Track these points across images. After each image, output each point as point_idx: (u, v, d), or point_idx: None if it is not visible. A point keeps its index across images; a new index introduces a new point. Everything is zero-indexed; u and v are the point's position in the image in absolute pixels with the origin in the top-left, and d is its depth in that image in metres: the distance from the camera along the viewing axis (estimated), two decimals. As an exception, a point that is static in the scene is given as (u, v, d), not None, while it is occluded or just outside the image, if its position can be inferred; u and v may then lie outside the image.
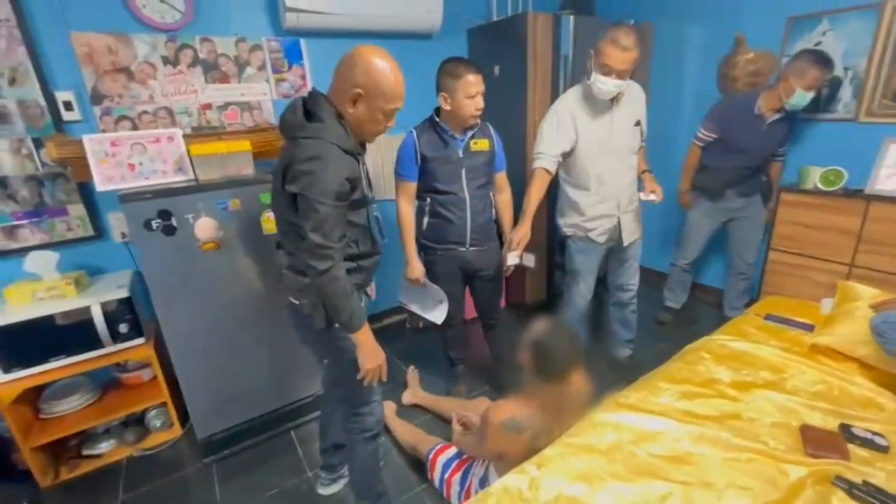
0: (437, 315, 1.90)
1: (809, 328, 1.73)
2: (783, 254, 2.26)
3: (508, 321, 2.24)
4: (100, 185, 1.58)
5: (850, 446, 1.19)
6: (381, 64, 1.07)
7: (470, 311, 2.23)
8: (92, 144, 1.55)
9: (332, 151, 1.05)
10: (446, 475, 1.55)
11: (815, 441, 1.19)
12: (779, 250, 2.27)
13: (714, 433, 1.24)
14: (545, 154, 1.76)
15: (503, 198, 1.92)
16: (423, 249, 1.88)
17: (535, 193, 1.77)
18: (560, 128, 1.74)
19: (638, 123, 1.81)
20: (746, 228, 2.38)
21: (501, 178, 1.90)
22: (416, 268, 1.83)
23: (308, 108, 1.10)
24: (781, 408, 1.35)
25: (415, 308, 1.97)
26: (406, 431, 1.83)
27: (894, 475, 1.09)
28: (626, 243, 1.92)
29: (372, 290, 1.49)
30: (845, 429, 1.24)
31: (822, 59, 1.95)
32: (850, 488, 1.05)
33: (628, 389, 1.46)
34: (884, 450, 1.17)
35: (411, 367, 2.25)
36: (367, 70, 1.06)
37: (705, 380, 1.48)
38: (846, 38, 2.12)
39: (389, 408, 1.98)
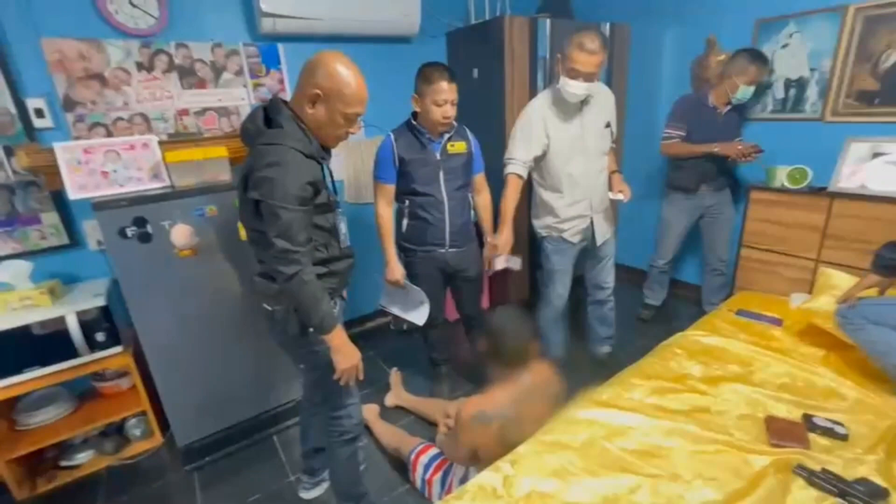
0: (419, 316, 1.92)
1: (778, 322, 1.79)
2: (754, 250, 2.32)
3: (491, 321, 2.27)
4: (72, 193, 1.56)
5: (812, 435, 1.24)
6: (341, 68, 1.09)
7: (453, 312, 2.25)
8: (63, 152, 1.54)
9: (292, 156, 1.06)
10: (427, 475, 1.57)
11: (778, 431, 1.24)
12: (750, 247, 2.33)
13: (683, 427, 1.28)
14: (517, 160, 1.80)
15: (482, 199, 1.95)
16: (402, 251, 1.90)
17: (511, 199, 1.81)
18: (532, 133, 1.78)
19: (608, 125, 1.85)
20: (718, 225, 2.45)
21: (480, 179, 1.92)
22: (396, 269, 1.85)
23: (269, 115, 1.12)
24: (748, 400, 1.40)
25: (396, 310, 1.98)
26: (388, 433, 1.84)
27: (851, 462, 1.14)
28: (598, 243, 1.96)
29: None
30: (807, 419, 1.28)
31: (758, 56, 2.13)
32: (809, 476, 1.10)
33: (602, 386, 1.49)
34: (843, 438, 1.22)
35: (394, 370, 2.26)
36: (328, 73, 1.08)
37: (677, 375, 1.53)
38: (812, 39, 2.19)
39: (372, 410, 2.00)
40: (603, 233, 1.97)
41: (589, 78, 1.63)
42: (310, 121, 1.13)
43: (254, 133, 1.11)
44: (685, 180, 2.37)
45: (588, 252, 2.04)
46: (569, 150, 1.81)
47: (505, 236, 1.79)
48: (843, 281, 1.73)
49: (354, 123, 1.17)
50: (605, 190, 1.92)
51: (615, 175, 1.93)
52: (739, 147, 2.14)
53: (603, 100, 1.83)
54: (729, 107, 2.27)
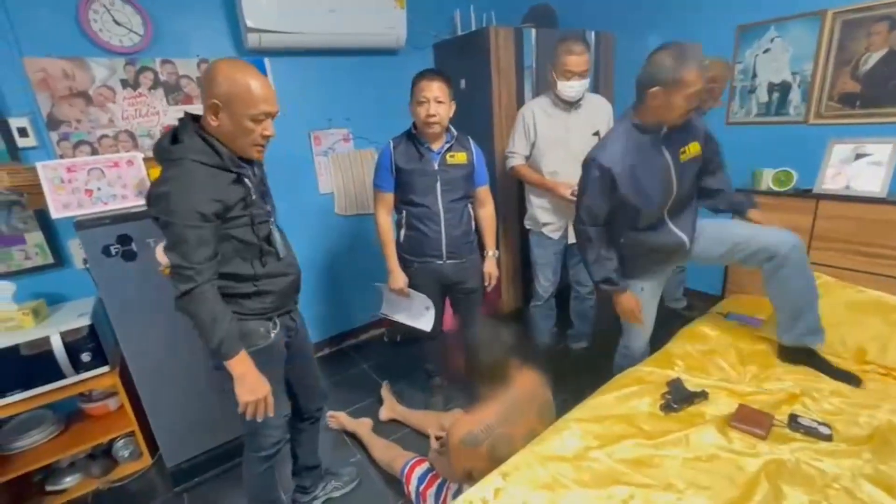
0: (426, 322, 1.88)
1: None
2: (744, 253, 2.32)
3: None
4: (55, 212, 1.55)
5: (795, 435, 1.22)
6: (234, 72, 1.04)
7: (446, 323, 2.24)
8: (46, 171, 1.52)
9: (193, 168, 1.02)
10: (422, 488, 1.54)
11: (742, 416, 1.25)
12: (740, 250, 2.34)
13: (676, 434, 1.26)
14: (516, 153, 2.04)
15: (485, 212, 1.91)
16: (400, 261, 1.86)
17: (530, 175, 2.01)
18: (523, 128, 1.99)
19: (596, 133, 1.92)
20: None
21: (483, 191, 1.88)
22: (400, 277, 1.81)
23: (176, 134, 1.09)
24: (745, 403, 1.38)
25: (401, 318, 1.95)
26: (381, 448, 1.82)
27: (834, 463, 1.13)
28: (569, 241, 2.07)
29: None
30: (793, 419, 1.27)
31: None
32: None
33: (596, 394, 1.48)
34: (827, 438, 1.21)
35: (385, 383, 2.24)
36: (221, 80, 1.03)
37: (671, 381, 1.51)
38: (792, 44, 2.22)
39: (365, 425, 1.97)
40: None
41: (582, 76, 1.81)
42: (218, 134, 1.08)
43: (161, 152, 1.07)
44: None
45: (570, 249, 2.13)
46: (552, 147, 1.93)
47: (560, 190, 1.92)
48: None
49: (266, 125, 1.10)
50: None
51: None
52: None
53: (594, 108, 1.94)
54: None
